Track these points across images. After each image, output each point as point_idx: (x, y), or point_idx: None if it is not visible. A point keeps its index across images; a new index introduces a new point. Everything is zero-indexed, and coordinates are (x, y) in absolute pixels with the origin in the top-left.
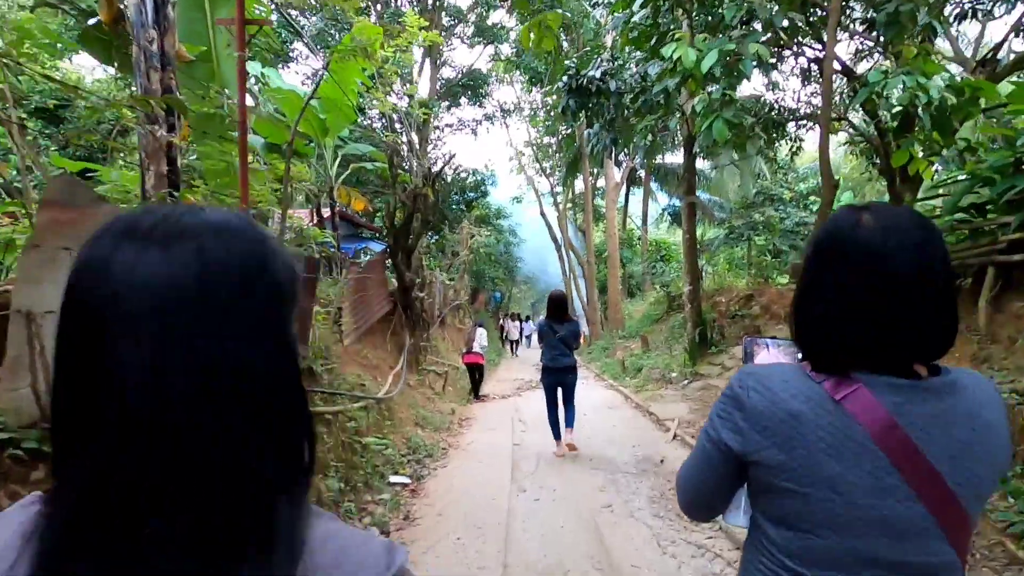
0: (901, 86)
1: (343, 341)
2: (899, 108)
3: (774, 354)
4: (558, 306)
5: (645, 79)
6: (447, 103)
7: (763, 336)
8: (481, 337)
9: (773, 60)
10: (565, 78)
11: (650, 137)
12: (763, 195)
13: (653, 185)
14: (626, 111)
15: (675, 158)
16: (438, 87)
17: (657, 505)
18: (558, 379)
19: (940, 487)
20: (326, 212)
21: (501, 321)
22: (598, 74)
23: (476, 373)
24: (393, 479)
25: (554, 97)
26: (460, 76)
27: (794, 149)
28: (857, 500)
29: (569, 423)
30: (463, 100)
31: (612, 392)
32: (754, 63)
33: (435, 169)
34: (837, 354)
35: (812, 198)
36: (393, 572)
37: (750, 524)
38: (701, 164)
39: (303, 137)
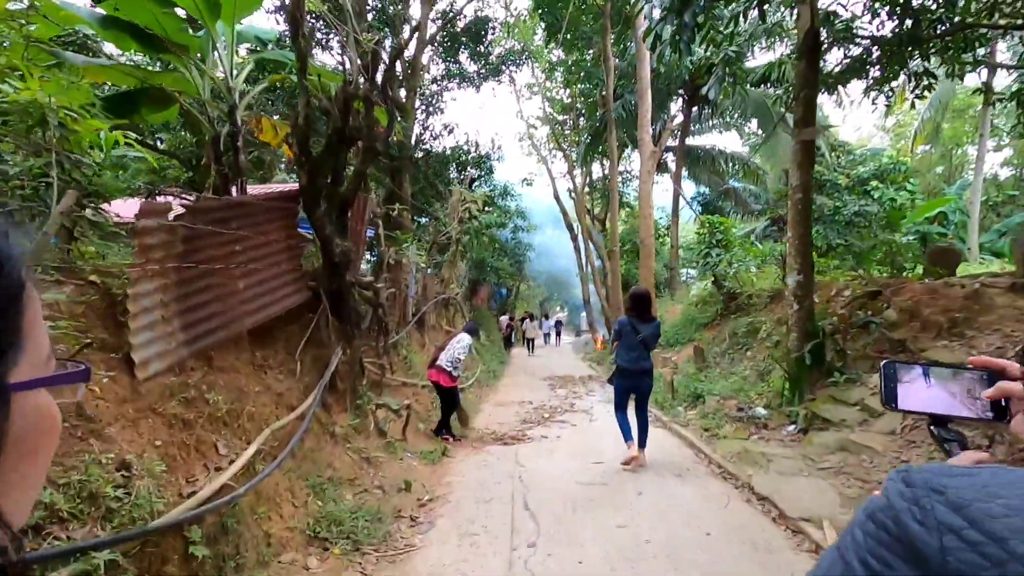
0: None
1: (137, 373)
2: None
3: (934, 390)
4: (642, 303)
5: None
6: (443, 57)
7: (908, 360)
8: (456, 347)
9: None
10: None
11: (745, 39)
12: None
13: (677, 173)
14: None
15: (704, 140)
16: (431, 31)
17: None
18: (634, 384)
19: None
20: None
21: (508, 320)
22: None
23: (444, 400)
24: None
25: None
26: (456, 15)
27: (920, 89)
28: None
29: (642, 444)
30: (463, 56)
31: (666, 434)
32: None
33: (385, 56)
34: None
35: (874, 183)
36: None
37: None
38: (736, 147)
39: (171, 13)
